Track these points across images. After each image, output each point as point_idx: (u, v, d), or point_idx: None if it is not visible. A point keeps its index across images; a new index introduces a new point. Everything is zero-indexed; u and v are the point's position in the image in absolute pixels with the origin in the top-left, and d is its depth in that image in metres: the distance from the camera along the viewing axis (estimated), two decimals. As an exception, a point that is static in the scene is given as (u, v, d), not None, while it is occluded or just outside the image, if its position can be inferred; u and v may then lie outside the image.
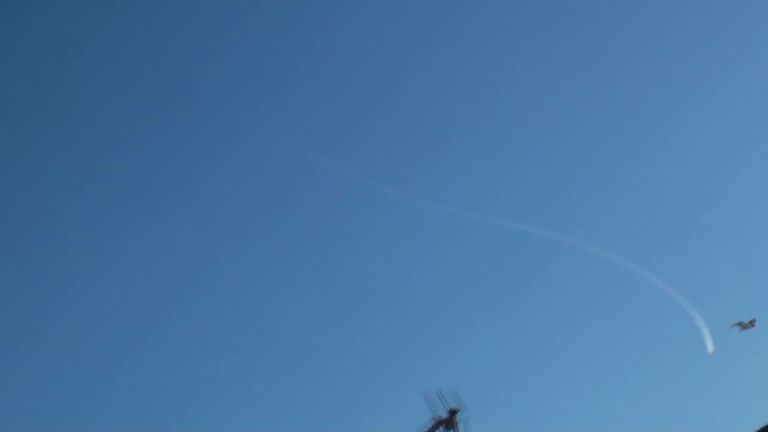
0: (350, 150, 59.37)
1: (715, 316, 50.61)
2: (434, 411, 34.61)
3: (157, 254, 57.15)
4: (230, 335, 54.19)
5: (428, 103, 61.57)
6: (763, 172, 58.00)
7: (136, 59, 61.85)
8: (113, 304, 55.99)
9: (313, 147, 58.31)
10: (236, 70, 62.20)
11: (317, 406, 50.07)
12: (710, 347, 47.37)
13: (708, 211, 57.39)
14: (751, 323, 35.65)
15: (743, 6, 62.02)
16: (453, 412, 35.18)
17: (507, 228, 55.19)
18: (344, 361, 52.40)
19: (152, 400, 51.79)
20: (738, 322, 35.54)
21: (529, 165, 59.41)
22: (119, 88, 61.42)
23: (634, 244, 55.36)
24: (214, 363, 52.99)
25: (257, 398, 50.71)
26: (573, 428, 48.12)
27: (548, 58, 61.54)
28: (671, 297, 49.92)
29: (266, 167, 59.73)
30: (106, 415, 51.21)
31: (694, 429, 46.92)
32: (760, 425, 39.18)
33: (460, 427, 34.42)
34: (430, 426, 34.11)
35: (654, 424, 47.70)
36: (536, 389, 50.50)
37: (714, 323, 49.66)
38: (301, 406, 50.24)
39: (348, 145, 59.70)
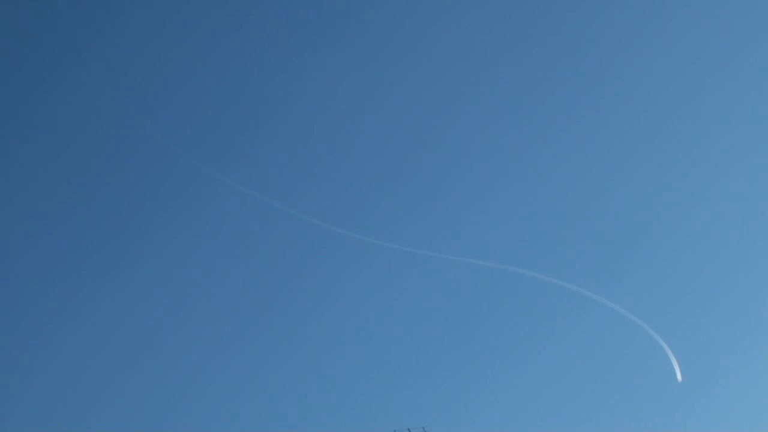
0: (303, 193, 59.28)
1: (681, 343, 51.01)
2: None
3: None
4: (199, 375, 53.68)
5: (382, 143, 61.69)
6: (726, 196, 58.28)
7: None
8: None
9: (265, 191, 58.12)
10: (178, 111, 61.95)
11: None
12: (679, 375, 47.50)
13: (670, 237, 57.61)
14: None
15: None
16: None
17: (469, 264, 55.22)
18: (312, 401, 51.91)
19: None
20: None
21: (483, 201, 59.52)
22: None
23: (596, 274, 55.42)
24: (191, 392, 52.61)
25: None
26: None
27: (499, 94, 61.84)
28: (638, 325, 50.13)
29: (219, 213, 59.40)
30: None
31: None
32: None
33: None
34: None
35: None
36: (505, 422, 50.28)
37: (681, 351, 49.95)
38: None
39: (300, 188, 59.63)
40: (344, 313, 55.70)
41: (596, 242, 57.28)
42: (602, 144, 60.64)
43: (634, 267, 56.03)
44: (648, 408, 50.27)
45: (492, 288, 56.06)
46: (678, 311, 54.41)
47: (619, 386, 51.70)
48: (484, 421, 49.67)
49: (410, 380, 52.05)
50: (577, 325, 53.79)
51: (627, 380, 51.75)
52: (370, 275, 56.98)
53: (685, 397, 50.03)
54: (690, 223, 57.60)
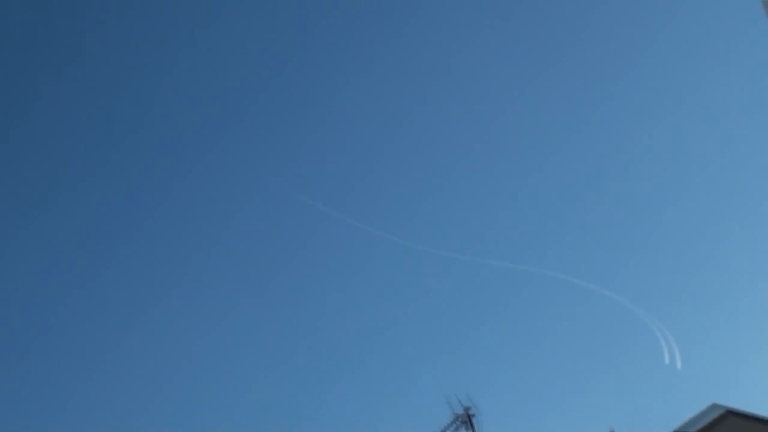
0: (347, 199, 63.47)
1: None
2: (453, 411, 38.07)
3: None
4: (249, 334, 58.09)
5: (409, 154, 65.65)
6: (717, 182, 60.31)
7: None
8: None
9: (314, 196, 62.23)
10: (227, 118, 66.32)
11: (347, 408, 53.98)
12: (678, 364, 50.07)
13: (660, 225, 60.79)
14: None
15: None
16: (468, 412, 38.69)
17: (484, 264, 58.25)
18: (369, 368, 55.54)
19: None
20: None
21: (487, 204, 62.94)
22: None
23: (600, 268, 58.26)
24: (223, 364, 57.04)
25: (276, 399, 54.56)
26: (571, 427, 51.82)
27: (514, 101, 65.08)
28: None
29: (270, 217, 63.71)
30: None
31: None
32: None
33: (475, 423, 37.97)
34: (449, 421, 37.73)
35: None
36: (539, 391, 54.36)
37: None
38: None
39: (344, 194, 63.80)
40: (395, 290, 59.43)
41: (599, 237, 60.41)
42: (602, 142, 63.31)
43: (628, 255, 58.85)
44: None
45: (506, 287, 59.69)
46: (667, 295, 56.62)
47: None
48: (520, 387, 53.57)
49: (457, 348, 55.91)
50: (583, 318, 56.95)
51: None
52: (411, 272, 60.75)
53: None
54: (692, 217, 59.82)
